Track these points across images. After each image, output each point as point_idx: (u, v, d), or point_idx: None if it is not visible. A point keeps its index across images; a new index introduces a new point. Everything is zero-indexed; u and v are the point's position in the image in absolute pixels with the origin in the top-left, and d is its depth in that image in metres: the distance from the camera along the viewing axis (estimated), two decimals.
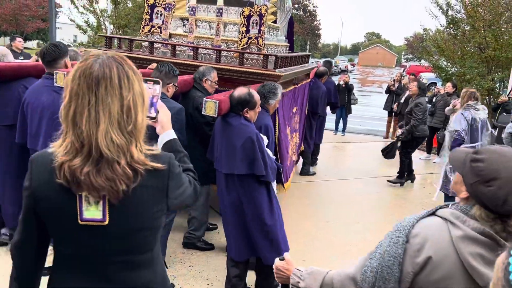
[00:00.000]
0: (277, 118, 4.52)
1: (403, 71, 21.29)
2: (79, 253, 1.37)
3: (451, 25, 11.50)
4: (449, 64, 11.81)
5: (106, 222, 1.31)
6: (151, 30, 4.94)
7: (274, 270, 1.76)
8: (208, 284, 3.66)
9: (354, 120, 13.05)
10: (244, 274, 3.56)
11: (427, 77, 23.69)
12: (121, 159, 1.28)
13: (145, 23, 4.96)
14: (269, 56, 4.53)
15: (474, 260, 1.27)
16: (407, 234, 1.38)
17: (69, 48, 3.71)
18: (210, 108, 3.18)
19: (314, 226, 5.06)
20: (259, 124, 3.49)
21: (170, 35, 5.03)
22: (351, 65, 53.73)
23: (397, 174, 7.14)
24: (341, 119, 10.79)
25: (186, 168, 1.58)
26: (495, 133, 7.37)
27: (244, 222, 3.31)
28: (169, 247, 4.00)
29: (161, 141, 1.61)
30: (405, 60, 67.82)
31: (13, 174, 3.65)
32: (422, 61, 23.34)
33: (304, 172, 7.08)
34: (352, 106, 10.84)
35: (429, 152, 9.15)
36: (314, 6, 53.42)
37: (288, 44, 6.27)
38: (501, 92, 10.03)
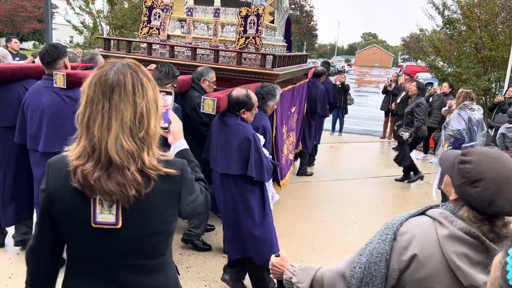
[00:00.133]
0: (274, 117, 4.53)
1: (399, 71, 21.32)
2: (92, 256, 1.38)
3: (447, 26, 11.54)
4: (445, 64, 11.86)
5: (119, 226, 1.32)
6: (150, 32, 4.96)
7: (269, 267, 1.79)
8: (205, 286, 3.65)
9: (351, 120, 13.08)
10: (240, 273, 3.57)
11: (424, 77, 23.74)
12: (131, 165, 1.29)
13: (143, 24, 4.97)
14: (267, 56, 4.55)
15: (458, 259, 1.28)
16: (395, 232, 1.40)
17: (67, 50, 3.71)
18: (208, 105, 3.20)
19: (312, 227, 5.06)
20: (256, 125, 3.50)
21: (168, 36, 5.05)
22: (348, 65, 53.82)
23: (403, 172, 7.23)
24: (338, 119, 10.81)
25: (198, 177, 1.58)
26: (491, 133, 7.40)
27: (237, 221, 3.33)
28: None
29: (173, 151, 1.62)
30: (401, 60, 68.07)
31: (13, 175, 3.66)
32: (419, 61, 23.43)
33: (302, 172, 7.08)
34: (349, 107, 10.85)
35: (425, 152, 9.19)
36: (310, 7, 53.52)
37: (286, 44, 6.29)
38: (497, 92, 10.09)
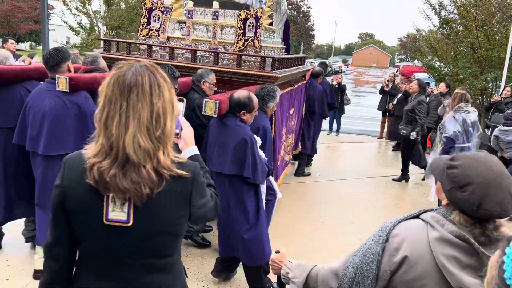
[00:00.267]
0: (274, 118, 4.57)
1: (396, 72, 21.35)
2: (102, 253, 1.40)
3: (444, 26, 11.57)
4: (442, 64, 11.88)
5: (130, 224, 1.35)
6: (149, 34, 5.00)
7: (270, 262, 1.84)
8: (203, 286, 3.65)
9: (348, 120, 13.10)
10: (231, 267, 3.67)
11: (421, 77, 23.77)
12: (147, 164, 1.32)
13: (142, 26, 5.01)
14: (266, 58, 4.60)
15: (447, 262, 1.29)
16: (387, 234, 1.43)
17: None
18: (210, 108, 3.24)
19: (310, 227, 5.06)
20: (257, 125, 3.54)
21: (168, 38, 5.08)
22: (345, 65, 53.94)
23: (401, 172, 7.28)
24: (335, 119, 10.82)
25: (208, 183, 1.61)
26: (488, 132, 7.41)
27: (228, 221, 3.36)
28: None
29: (185, 156, 1.63)
30: (398, 61, 68.12)
31: (16, 175, 3.67)
32: (416, 61, 23.43)
33: (299, 173, 7.09)
34: (346, 107, 10.87)
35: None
36: (307, 7, 53.53)
37: (284, 46, 6.33)
38: (493, 92, 10.10)
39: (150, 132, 1.32)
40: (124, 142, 1.30)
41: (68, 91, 3.26)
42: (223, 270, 3.70)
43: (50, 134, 3.26)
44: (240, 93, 3.35)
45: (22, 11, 28.40)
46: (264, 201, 3.51)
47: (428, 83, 18.96)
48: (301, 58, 6.82)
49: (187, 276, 1.64)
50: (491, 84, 10.93)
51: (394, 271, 1.38)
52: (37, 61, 8.87)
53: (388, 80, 10.70)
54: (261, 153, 3.39)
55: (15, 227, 4.05)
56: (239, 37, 4.71)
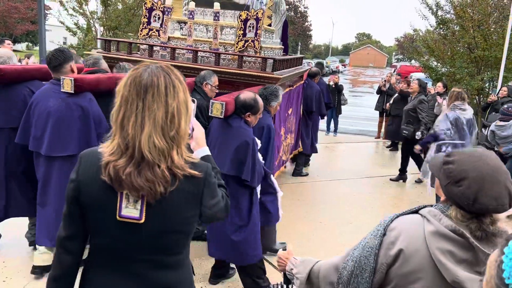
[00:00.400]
0: (273, 119, 4.59)
1: (393, 71, 21.40)
2: (113, 248, 1.44)
3: (441, 26, 11.60)
4: (439, 64, 11.91)
5: (142, 221, 1.38)
6: (149, 33, 5.02)
7: (276, 259, 1.89)
8: (201, 287, 3.65)
9: (346, 120, 13.11)
10: (225, 270, 3.69)
11: (418, 77, 23.85)
12: (162, 163, 1.36)
13: (143, 26, 5.04)
14: (268, 59, 4.66)
15: (442, 256, 1.30)
16: (385, 228, 1.45)
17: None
18: (217, 109, 3.28)
19: (307, 227, 5.07)
20: (262, 124, 3.60)
21: (168, 38, 5.10)
22: (342, 65, 53.97)
23: (399, 172, 7.32)
24: (332, 119, 10.83)
25: (219, 184, 1.63)
26: (485, 132, 7.43)
27: (222, 223, 3.34)
28: None
29: (196, 156, 1.65)
30: (395, 61, 68.26)
31: (18, 174, 3.67)
32: (413, 61, 23.50)
33: (297, 173, 7.09)
34: (344, 107, 10.89)
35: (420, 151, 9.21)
36: (305, 7, 53.59)
37: (283, 47, 6.36)
38: (490, 92, 10.14)
39: (165, 132, 1.36)
40: (140, 142, 1.33)
41: (73, 92, 3.28)
42: (219, 276, 3.71)
43: (53, 135, 3.29)
44: (246, 95, 3.38)
45: (19, 11, 28.32)
46: (258, 202, 3.52)
47: (425, 83, 18.98)
48: (299, 59, 6.87)
49: (194, 274, 1.66)
50: (487, 84, 10.96)
51: (390, 264, 1.39)
52: (34, 62, 8.85)
53: (385, 80, 10.71)
54: (259, 155, 3.42)
55: (13, 228, 4.04)
56: (240, 37, 4.75)
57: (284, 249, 1.89)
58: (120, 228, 1.40)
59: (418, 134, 6.71)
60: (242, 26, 4.72)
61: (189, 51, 4.90)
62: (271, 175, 3.82)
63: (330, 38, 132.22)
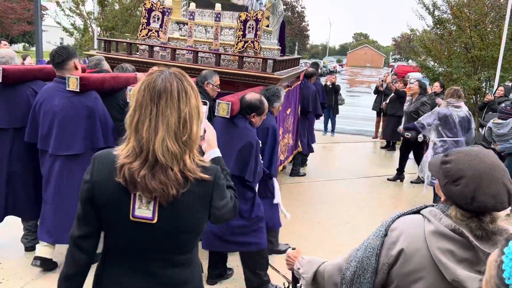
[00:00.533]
0: None
1: (391, 71, 21.45)
2: (127, 247, 1.49)
3: (438, 26, 11.61)
4: (436, 64, 11.93)
5: (155, 221, 1.44)
6: (148, 34, 5.04)
7: (285, 258, 1.92)
8: None
9: (343, 120, 13.12)
10: (222, 277, 3.68)
11: (415, 76, 23.87)
12: (174, 166, 1.41)
13: (142, 26, 5.06)
14: (268, 60, 4.72)
15: (442, 255, 1.30)
16: (386, 228, 1.45)
17: None
18: (223, 109, 3.31)
19: (305, 227, 5.06)
20: (266, 125, 3.63)
21: (168, 38, 5.12)
22: (339, 65, 54.08)
23: (396, 171, 7.35)
24: (329, 119, 10.84)
25: (228, 185, 1.67)
26: (482, 132, 7.45)
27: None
28: None
29: (208, 158, 1.70)
30: (393, 60, 68.37)
31: (21, 175, 3.68)
32: (410, 61, 23.54)
33: (295, 173, 7.09)
34: (341, 107, 10.89)
35: None
36: (302, 7, 53.64)
37: (280, 48, 6.39)
38: (487, 91, 10.15)
39: (178, 136, 1.41)
40: (153, 146, 1.38)
41: (78, 90, 3.30)
42: (217, 277, 3.71)
43: (59, 134, 3.33)
44: (252, 96, 3.42)
45: (15, 12, 28.24)
46: (260, 205, 3.55)
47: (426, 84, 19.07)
48: (297, 60, 6.95)
49: (203, 271, 1.69)
50: (484, 83, 10.99)
51: (391, 264, 1.40)
52: (30, 63, 8.81)
53: (382, 80, 10.73)
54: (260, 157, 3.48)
55: (9, 230, 4.02)
56: (239, 38, 4.79)
57: (293, 249, 1.92)
58: (134, 227, 1.45)
59: (421, 137, 6.72)
60: (242, 27, 4.75)
61: (189, 51, 4.94)
62: (274, 178, 3.83)
63: (328, 38, 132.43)
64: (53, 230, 3.44)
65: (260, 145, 3.49)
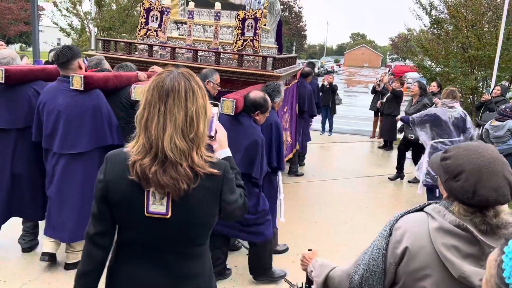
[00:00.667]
0: None
1: (388, 71, 21.48)
2: (142, 241, 1.55)
3: (435, 25, 11.66)
4: (433, 63, 11.96)
5: (168, 216, 1.49)
6: (147, 33, 5.06)
7: (300, 258, 1.94)
8: None
9: (341, 120, 13.13)
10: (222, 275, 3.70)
11: (412, 76, 23.94)
12: (183, 162, 1.46)
13: (141, 26, 5.08)
14: (268, 58, 4.77)
15: (447, 251, 1.30)
16: (391, 228, 1.45)
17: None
18: (227, 107, 3.33)
19: (303, 227, 5.06)
20: (270, 121, 3.67)
21: (167, 38, 5.14)
22: (337, 65, 54.12)
23: (396, 170, 7.36)
24: (327, 119, 10.85)
25: (238, 184, 1.71)
26: (479, 131, 7.47)
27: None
28: None
29: (218, 157, 1.73)
30: (390, 60, 68.46)
31: (24, 175, 3.67)
32: (407, 61, 23.63)
33: (293, 171, 7.10)
34: (339, 107, 10.90)
35: None
36: (299, 7, 53.70)
37: (277, 46, 6.41)
38: (484, 91, 10.18)
39: (185, 134, 1.46)
40: (162, 142, 1.44)
41: (82, 89, 3.31)
42: (216, 275, 3.70)
43: (64, 132, 3.34)
44: (256, 94, 3.46)
45: (12, 12, 28.12)
46: (265, 200, 3.61)
47: (425, 85, 19.17)
48: (294, 58, 7.00)
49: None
50: (481, 83, 11.02)
51: (397, 263, 1.40)
52: (27, 63, 8.77)
53: (380, 80, 10.73)
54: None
55: (7, 231, 4.00)
56: (238, 37, 4.81)
57: (310, 250, 1.94)
58: (149, 223, 1.50)
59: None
60: (240, 25, 4.77)
61: (189, 50, 4.96)
62: (279, 172, 3.90)
63: (325, 38, 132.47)
64: (57, 226, 3.47)
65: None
